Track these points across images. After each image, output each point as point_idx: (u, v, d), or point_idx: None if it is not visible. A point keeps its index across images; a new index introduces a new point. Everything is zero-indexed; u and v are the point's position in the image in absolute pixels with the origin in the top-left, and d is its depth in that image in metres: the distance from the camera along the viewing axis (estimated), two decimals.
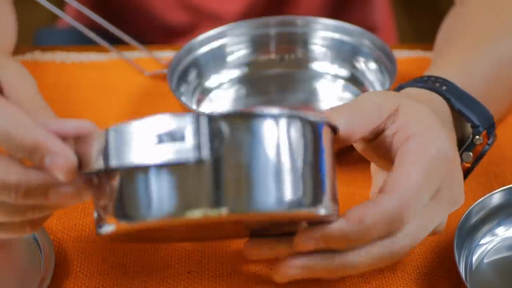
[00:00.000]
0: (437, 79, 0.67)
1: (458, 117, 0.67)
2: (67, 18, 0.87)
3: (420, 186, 0.56)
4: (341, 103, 0.85)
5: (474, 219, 0.68)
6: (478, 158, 0.66)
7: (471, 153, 0.66)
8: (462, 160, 0.66)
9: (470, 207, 0.67)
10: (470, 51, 0.74)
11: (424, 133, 0.58)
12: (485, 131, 0.66)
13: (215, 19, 1.08)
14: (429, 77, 0.68)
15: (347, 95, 0.86)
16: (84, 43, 0.96)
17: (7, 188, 0.55)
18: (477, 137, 0.66)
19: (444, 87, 0.67)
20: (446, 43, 0.78)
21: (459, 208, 0.71)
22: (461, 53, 0.74)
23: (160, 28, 1.11)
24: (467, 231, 0.67)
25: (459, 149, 0.65)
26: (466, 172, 0.67)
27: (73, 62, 0.92)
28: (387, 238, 0.56)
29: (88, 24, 0.90)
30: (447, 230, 0.71)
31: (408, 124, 0.59)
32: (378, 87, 0.84)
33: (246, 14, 1.07)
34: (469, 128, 0.68)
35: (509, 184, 0.75)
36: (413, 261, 0.69)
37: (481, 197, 0.74)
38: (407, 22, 2.18)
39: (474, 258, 0.68)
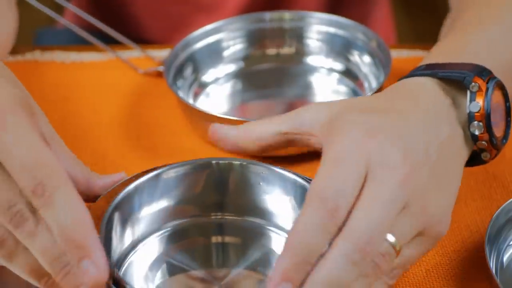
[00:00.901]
0: (423, 65, 0.67)
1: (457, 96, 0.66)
2: (61, 20, 0.88)
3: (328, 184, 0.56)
4: (336, 96, 0.86)
5: (505, 218, 0.68)
6: (487, 97, 0.64)
7: (477, 102, 0.64)
8: (472, 112, 0.64)
9: (502, 206, 0.67)
10: (457, 35, 0.74)
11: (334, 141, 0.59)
12: (476, 77, 0.64)
13: (214, 12, 1.08)
14: (418, 67, 0.68)
15: (342, 89, 0.87)
16: (84, 43, 0.96)
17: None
18: (472, 84, 0.64)
19: (424, 67, 0.67)
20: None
21: (491, 207, 0.73)
22: (449, 40, 0.74)
23: (158, 23, 1.11)
24: (499, 229, 0.67)
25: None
26: (487, 119, 0.64)
27: (73, 62, 0.92)
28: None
29: (86, 25, 0.90)
30: (479, 227, 0.71)
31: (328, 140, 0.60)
32: (372, 80, 0.85)
33: (245, 9, 1.07)
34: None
35: (507, 184, 0.75)
36: (445, 258, 0.69)
37: (479, 196, 0.74)
38: (407, 22, 2.18)
39: (505, 257, 0.67)
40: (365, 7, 1.17)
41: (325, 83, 0.88)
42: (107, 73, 0.90)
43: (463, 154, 0.64)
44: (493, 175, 0.77)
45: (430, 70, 0.66)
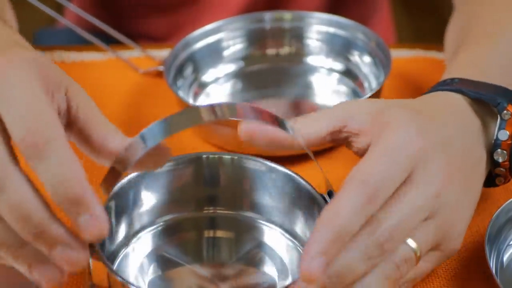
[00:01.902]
0: (452, 80, 0.67)
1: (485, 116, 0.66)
2: (62, 20, 0.88)
3: (382, 171, 0.56)
4: (336, 96, 0.87)
5: (505, 218, 0.68)
6: None
7: (506, 131, 0.64)
8: (499, 140, 0.64)
9: (502, 206, 0.67)
10: (481, 46, 0.74)
11: (388, 130, 0.59)
12: (510, 105, 0.64)
13: (215, 12, 1.08)
14: (445, 80, 0.68)
15: (342, 89, 0.87)
16: (83, 43, 0.96)
17: (24, 220, 0.53)
18: (504, 112, 0.64)
19: (456, 81, 0.66)
20: (457, 46, 0.77)
21: (491, 207, 0.72)
22: (473, 50, 0.73)
23: (160, 21, 1.11)
24: (499, 229, 0.67)
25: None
26: None
27: (74, 61, 0.92)
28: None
29: (86, 24, 0.90)
30: (479, 227, 0.71)
31: (378, 132, 0.60)
32: (372, 80, 0.85)
33: (246, 8, 1.07)
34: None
35: (507, 184, 0.75)
36: None
37: (479, 197, 0.74)
38: (407, 22, 2.18)
39: (505, 257, 0.68)
40: (365, 7, 1.17)
41: (325, 83, 0.88)
42: (108, 73, 0.91)
43: (484, 176, 0.65)
44: None
45: (464, 88, 0.66)
